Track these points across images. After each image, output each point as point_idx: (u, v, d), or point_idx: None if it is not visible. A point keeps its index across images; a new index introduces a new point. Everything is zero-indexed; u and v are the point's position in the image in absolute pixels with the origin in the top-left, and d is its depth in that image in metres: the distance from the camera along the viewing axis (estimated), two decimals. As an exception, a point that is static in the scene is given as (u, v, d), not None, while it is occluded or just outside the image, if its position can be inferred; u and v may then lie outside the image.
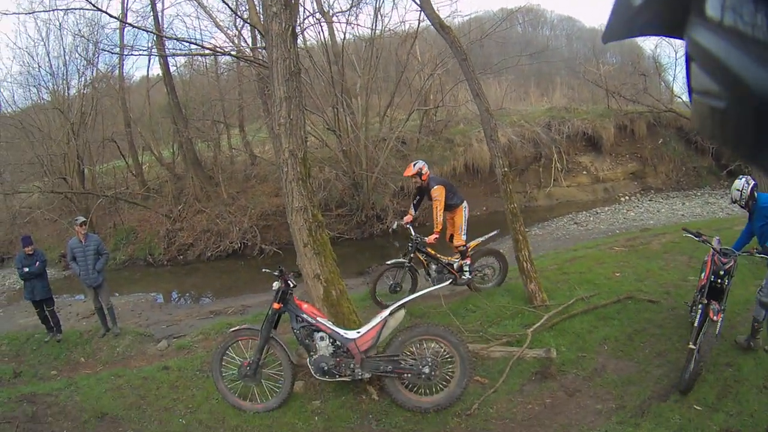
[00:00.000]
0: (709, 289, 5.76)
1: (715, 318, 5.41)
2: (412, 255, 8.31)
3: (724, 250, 5.95)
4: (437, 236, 8.12)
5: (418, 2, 8.17)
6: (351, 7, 17.54)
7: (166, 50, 18.12)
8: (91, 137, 21.76)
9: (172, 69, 21.18)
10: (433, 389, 5.67)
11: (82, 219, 9.41)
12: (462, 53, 7.61)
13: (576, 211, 18.97)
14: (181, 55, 20.36)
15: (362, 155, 17.20)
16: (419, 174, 8.22)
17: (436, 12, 7.88)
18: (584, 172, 21.85)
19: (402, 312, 5.72)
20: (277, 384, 6.17)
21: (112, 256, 9.97)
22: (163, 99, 23.12)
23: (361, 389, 6.05)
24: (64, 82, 23.13)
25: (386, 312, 5.69)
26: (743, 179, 6.03)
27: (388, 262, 8.69)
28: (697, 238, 6.35)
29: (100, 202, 20.60)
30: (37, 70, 25.86)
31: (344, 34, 19.31)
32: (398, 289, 8.52)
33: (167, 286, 16.27)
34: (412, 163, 8.35)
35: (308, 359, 5.82)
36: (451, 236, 8.61)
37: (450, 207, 8.37)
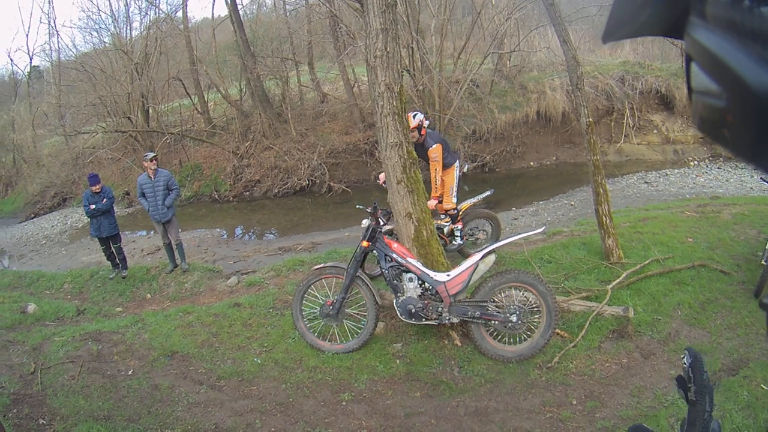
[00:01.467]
0: None
1: None
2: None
3: None
4: (436, 200, 7.58)
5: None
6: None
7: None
8: (156, 77, 22.03)
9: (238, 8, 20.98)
10: (517, 339, 5.61)
11: (151, 155, 9.44)
12: None
13: (645, 170, 18.34)
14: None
15: (436, 95, 16.90)
16: (419, 128, 7.37)
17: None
18: (655, 131, 21.03)
19: (492, 257, 5.60)
20: (359, 325, 6.15)
21: (180, 191, 10.14)
22: (228, 38, 23.36)
23: (443, 334, 6.02)
24: (126, 24, 23.65)
25: (478, 256, 5.58)
26: None
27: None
28: None
29: (165, 139, 21.06)
30: (97, 14, 26.34)
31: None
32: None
33: (233, 222, 16.53)
34: (411, 114, 7.21)
35: (395, 300, 5.77)
36: (440, 198, 7.77)
37: (443, 167, 7.61)
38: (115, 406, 5.60)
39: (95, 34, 25.87)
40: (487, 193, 8.14)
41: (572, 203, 13.78)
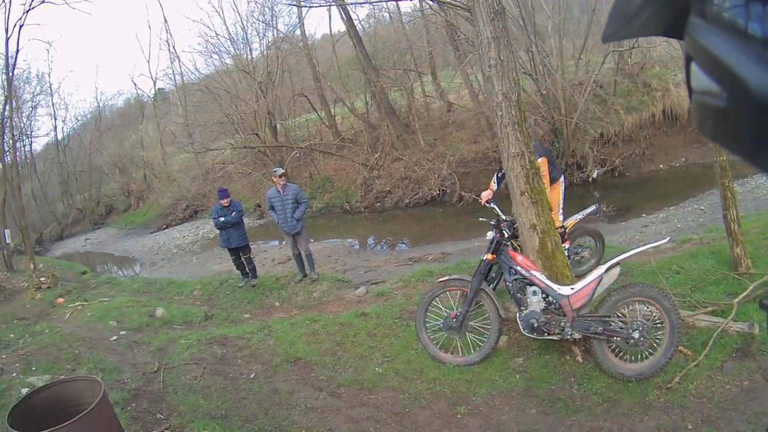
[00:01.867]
0: None
1: None
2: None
3: None
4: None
5: None
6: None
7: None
8: (280, 94, 22.97)
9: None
10: (638, 356, 5.42)
11: (280, 171, 9.78)
12: None
13: (770, 168, 17.25)
14: (363, 2, 20.26)
15: (560, 99, 16.64)
16: None
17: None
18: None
19: (617, 269, 5.46)
20: (481, 338, 6.14)
21: (309, 204, 10.73)
22: (348, 53, 23.85)
23: (565, 349, 5.90)
24: (245, 46, 25.04)
25: (602, 268, 5.46)
26: None
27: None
28: None
29: (294, 154, 21.93)
30: (215, 38, 28.09)
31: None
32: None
33: (364, 233, 16.93)
34: None
35: (518, 314, 5.72)
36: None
37: (549, 181, 7.19)
38: (233, 407, 5.86)
39: (216, 56, 27.42)
40: (593, 208, 7.96)
41: (702, 207, 13.07)
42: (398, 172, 19.32)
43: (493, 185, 7.62)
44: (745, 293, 6.16)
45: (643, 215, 13.08)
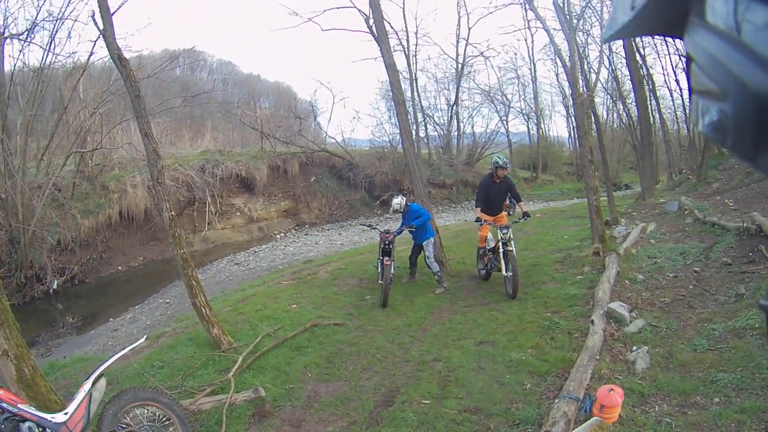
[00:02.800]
0: (382, 251, 9.45)
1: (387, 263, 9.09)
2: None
3: (387, 230, 9.93)
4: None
5: (101, 30, 7.22)
6: (27, 31, 15.64)
7: None
8: None
9: None
10: None
11: None
12: (136, 89, 7.02)
13: (234, 252, 19.36)
14: None
15: (19, 204, 14.71)
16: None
17: (116, 43, 7.11)
18: (238, 214, 22.34)
19: (103, 381, 5.00)
20: None
21: None
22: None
23: None
24: None
25: (88, 384, 4.87)
26: (399, 197, 10.15)
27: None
28: (369, 228, 11.39)
29: None
30: None
31: (15, 61, 16.60)
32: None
33: None
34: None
35: None
36: None
37: None
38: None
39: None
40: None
41: (168, 301, 13.62)
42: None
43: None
44: (236, 365, 6.50)
45: (110, 319, 12.72)
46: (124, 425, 4.89)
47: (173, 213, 7.27)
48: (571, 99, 26.59)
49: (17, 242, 14.95)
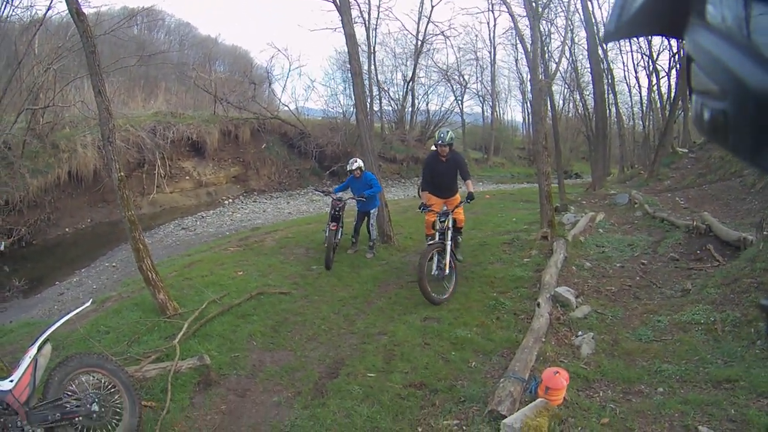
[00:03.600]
0: (332, 216, 9.96)
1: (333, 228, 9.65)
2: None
3: (340, 197, 10.22)
4: None
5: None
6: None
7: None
8: None
9: None
10: (109, 427, 4.82)
11: None
12: (91, 45, 6.68)
13: (181, 217, 19.17)
14: None
15: None
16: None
17: (75, -5, 6.69)
18: (187, 177, 21.97)
19: (49, 346, 4.78)
20: None
21: None
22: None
23: None
24: None
25: (33, 349, 4.66)
26: (360, 160, 10.56)
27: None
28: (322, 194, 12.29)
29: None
30: None
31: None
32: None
33: None
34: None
35: None
36: None
37: None
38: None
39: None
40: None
41: (114, 264, 13.42)
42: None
43: None
44: (182, 332, 6.38)
45: (56, 283, 12.53)
46: (69, 392, 4.74)
47: (122, 174, 7.00)
48: (529, 85, 26.88)
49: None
